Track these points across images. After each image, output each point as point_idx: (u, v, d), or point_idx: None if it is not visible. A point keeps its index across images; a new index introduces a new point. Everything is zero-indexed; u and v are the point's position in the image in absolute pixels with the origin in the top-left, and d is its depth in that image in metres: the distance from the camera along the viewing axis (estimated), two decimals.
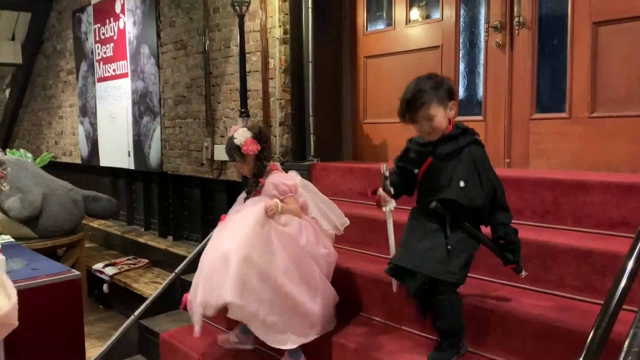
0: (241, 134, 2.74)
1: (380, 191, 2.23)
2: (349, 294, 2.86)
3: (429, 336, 2.47)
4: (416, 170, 2.17)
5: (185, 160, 5.26)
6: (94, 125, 6.77)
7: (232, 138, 2.78)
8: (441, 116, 2.06)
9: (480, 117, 3.43)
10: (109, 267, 5.40)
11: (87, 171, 7.31)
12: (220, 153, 4.75)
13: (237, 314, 2.42)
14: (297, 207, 2.69)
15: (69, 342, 3.61)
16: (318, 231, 2.72)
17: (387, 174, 2.19)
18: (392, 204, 2.25)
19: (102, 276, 5.35)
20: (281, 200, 2.66)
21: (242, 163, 2.80)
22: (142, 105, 5.81)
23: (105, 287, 5.28)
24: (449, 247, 2.07)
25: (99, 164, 6.73)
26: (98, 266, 5.47)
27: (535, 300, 2.29)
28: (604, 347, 1.51)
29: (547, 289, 2.36)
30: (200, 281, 2.44)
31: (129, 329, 3.61)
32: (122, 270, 5.32)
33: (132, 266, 5.43)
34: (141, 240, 5.82)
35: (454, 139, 2.09)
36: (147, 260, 5.57)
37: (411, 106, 2.06)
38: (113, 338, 3.51)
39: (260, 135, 2.78)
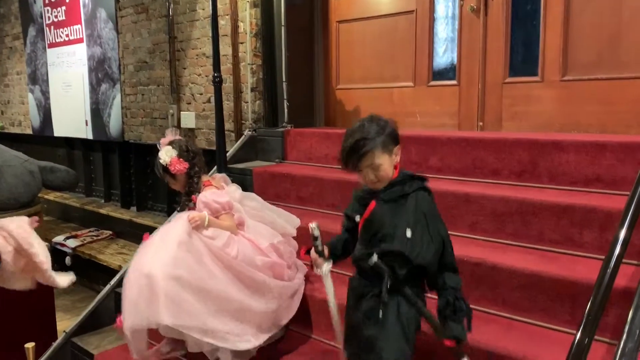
0: (165, 154, 2.62)
1: (312, 253, 1.95)
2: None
3: None
4: (358, 218, 1.94)
5: (149, 129, 5.12)
6: (45, 93, 6.46)
7: (158, 158, 2.64)
8: (387, 164, 1.85)
9: (454, 82, 3.50)
10: (71, 240, 5.24)
11: (39, 142, 7.00)
12: (188, 120, 4.66)
13: (180, 331, 2.28)
14: (231, 224, 2.56)
15: (40, 314, 3.53)
16: (256, 244, 2.58)
17: (317, 233, 1.90)
18: (327, 265, 1.94)
19: (64, 249, 5.19)
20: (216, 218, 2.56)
21: (174, 181, 2.70)
22: (99, 72, 5.58)
23: (67, 259, 5.13)
24: (381, 315, 1.80)
25: (53, 135, 6.45)
26: (59, 239, 5.30)
27: (518, 254, 2.39)
28: (608, 299, 1.62)
29: (528, 243, 2.47)
30: (126, 305, 2.30)
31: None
32: (85, 242, 5.18)
33: (95, 238, 5.29)
34: (102, 211, 5.67)
35: (400, 184, 1.89)
36: (110, 232, 5.43)
37: (354, 154, 1.83)
38: None
39: (187, 153, 2.65)
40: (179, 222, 2.44)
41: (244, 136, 4.10)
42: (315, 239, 1.90)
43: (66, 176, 5.36)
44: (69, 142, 6.54)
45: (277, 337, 2.63)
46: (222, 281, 2.34)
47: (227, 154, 3.94)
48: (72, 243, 5.17)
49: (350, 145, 1.84)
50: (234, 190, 2.80)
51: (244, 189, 3.75)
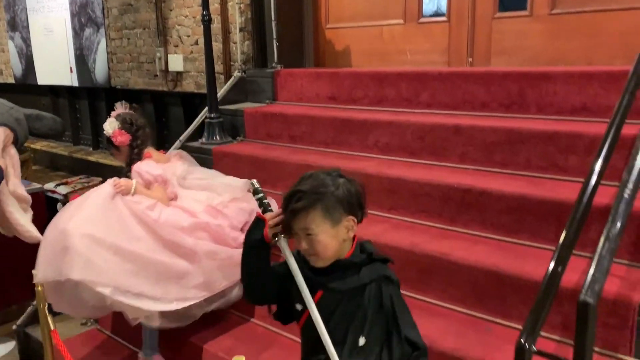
0: (109, 125, 2.67)
1: (269, 216, 1.46)
2: None
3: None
4: (299, 306, 1.47)
5: (136, 74, 5.07)
6: (26, 40, 6.31)
7: (103, 130, 2.72)
8: (327, 236, 1.39)
9: (444, 18, 3.50)
10: (62, 186, 5.24)
11: (22, 91, 6.87)
12: (176, 63, 4.62)
13: (95, 291, 2.24)
14: (161, 196, 2.59)
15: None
16: (186, 208, 2.59)
17: (260, 187, 1.52)
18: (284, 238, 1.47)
19: (55, 195, 5.19)
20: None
21: (118, 152, 2.74)
22: (82, 16, 5.45)
23: (59, 205, 5.13)
24: None
25: (36, 83, 6.35)
26: (49, 186, 5.29)
27: (506, 180, 2.48)
28: (587, 216, 1.71)
29: (516, 170, 2.56)
30: (40, 258, 2.33)
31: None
32: (76, 188, 5.18)
33: (86, 185, 5.29)
34: (91, 159, 5.66)
35: (354, 267, 1.44)
36: (100, 179, 5.44)
37: (285, 209, 1.41)
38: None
39: (130, 126, 2.68)
40: (103, 186, 2.51)
41: (233, 77, 4.09)
42: (258, 192, 1.51)
43: (53, 124, 5.23)
44: (54, 90, 6.43)
45: (230, 302, 2.60)
46: (144, 243, 2.36)
47: (217, 96, 3.94)
48: (63, 190, 5.17)
49: (286, 196, 1.42)
50: (179, 165, 2.83)
51: (236, 130, 3.82)
